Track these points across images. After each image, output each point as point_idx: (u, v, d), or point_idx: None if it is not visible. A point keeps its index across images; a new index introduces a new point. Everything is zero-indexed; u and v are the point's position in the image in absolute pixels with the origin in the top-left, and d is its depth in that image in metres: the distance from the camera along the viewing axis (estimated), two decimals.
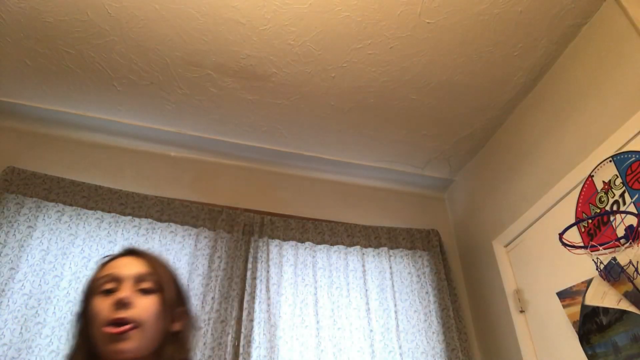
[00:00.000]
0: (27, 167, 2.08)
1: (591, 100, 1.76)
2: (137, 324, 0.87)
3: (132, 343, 0.86)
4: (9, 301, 1.72)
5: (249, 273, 2.04)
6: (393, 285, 2.21)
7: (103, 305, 0.89)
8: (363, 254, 2.27)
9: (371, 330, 2.04)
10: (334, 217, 2.46)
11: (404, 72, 2.02)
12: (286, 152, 2.47)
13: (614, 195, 1.57)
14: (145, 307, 0.89)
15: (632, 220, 1.47)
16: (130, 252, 1.00)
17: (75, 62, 1.98)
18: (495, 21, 1.82)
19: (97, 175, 2.19)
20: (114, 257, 1.00)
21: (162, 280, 0.95)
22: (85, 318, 0.92)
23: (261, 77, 2.05)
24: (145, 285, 0.93)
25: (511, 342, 2.01)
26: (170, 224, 2.09)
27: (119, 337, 0.85)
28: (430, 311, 2.18)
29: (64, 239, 1.91)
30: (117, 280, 0.92)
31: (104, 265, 0.98)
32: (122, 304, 0.87)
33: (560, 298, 1.74)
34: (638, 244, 1.43)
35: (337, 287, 2.14)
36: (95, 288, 0.93)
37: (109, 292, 0.91)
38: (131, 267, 0.94)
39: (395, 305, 2.15)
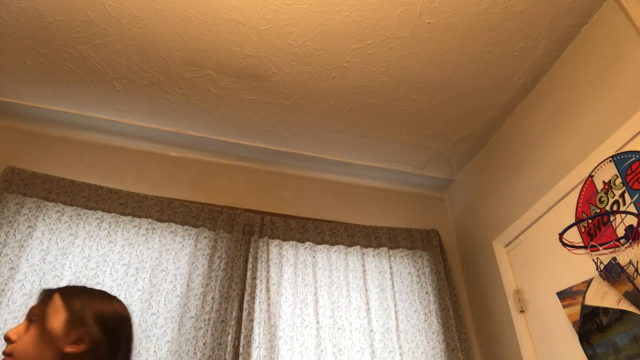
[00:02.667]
0: (27, 167, 2.08)
1: (591, 100, 1.76)
2: (11, 355, 1.03)
3: None
4: (9, 301, 1.72)
5: (249, 273, 2.04)
6: (393, 285, 2.21)
7: None
8: (363, 254, 2.28)
9: (371, 330, 2.04)
10: (334, 217, 2.46)
11: (404, 72, 2.02)
12: (286, 152, 2.47)
13: (614, 195, 1.57)
14: (23, 339, 1.05)
15: (632, 220, 1.47)
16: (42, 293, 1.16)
17: (75, 62, 1.98)
18: (495, 21, 1.82)
19: (97, 175, 2.20)
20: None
21: (43, 312, 1.08)
22: None
23: (261, 77, 2.05)
24: (33, 318, 1.08)
25: (511, 342, 2.01)
26: (170, 224, 2.09)
27: None
28: (430, 311, 2.18)
29: (64, 239, 1.91)
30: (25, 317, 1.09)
31: None
32: (5, 339, 1.06)
33: (560, 298, 1.74)
34: (638, 244, 1.43)
35: (337, 287, 2.14)
36: None
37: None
38: (31, 307, 1.11)
39: (395, 305, 2.15)
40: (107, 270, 1.90)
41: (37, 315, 1.08)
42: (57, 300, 1.11)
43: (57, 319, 1.08)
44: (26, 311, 1.72)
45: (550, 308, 1.81)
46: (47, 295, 1.13)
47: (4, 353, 1.04)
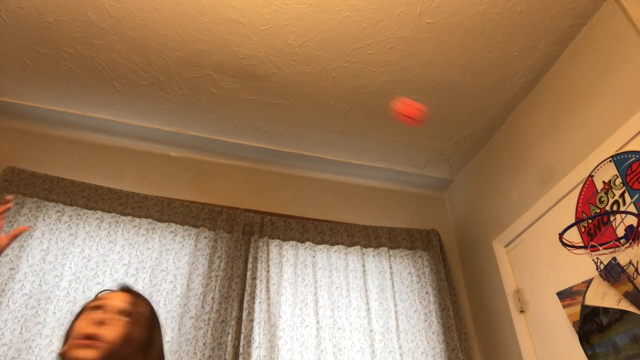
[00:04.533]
0: (27, 167, 2.08)
1: (591, 100, 1.76)
2: (105, 343, 0.97)
3: (95, 354, 0.95)
4: (9, 301, 1.72)
5: (249, 273, 2.04)
6: (393, 285, 2.21)
7: (83, 323, 1.00)
8: (363, 254, 2.27)
9: (371, 330, 2.04)
10: (334, 217, 2.46)
11: (404, 72, 2.02)
12: (286, 152, 2.47)
13: (614, 195, 1.57)
14: (117, 331, 1.00)
15: (632, 220, 1.47)
16: (124, 289, 1.13)
17: (75, 62, 1.98)
18: (495, 21, 1.82)
19: (97, 175, 2.19)
20: (108, 291, 1.13)
21: (138, 318, 1.06)
22: (66, 337, 1.04)
23: (261, 77, 2.05)
24: (124, 318, 1.04)
25: (511, 342, 2.01)
26: (170, 224, 2.09)
27: (86, 345, 0.95)
28: (430, 311, 2.18)
29: (64, 239, 1.91)
30: (103, 307, 1.04)
31: (97, 295, 1.12)
32: (100, 323, 1.00)
33: (560, 298, 1.74)
34: (638, 244, 1.43)
35: (337, 287, 2.14)
36: (82, 309, 1.06)
37: (90, 311, 1.03)
38: (118, 301, 1.06)
39: (395, 305, 2.15)
40: (107, 270, 1.90)
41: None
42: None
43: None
44: (26, 311, 1.72)
45: (550, 308, 1.81)
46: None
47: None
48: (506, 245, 2.16)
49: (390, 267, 2.26)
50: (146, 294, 1.89)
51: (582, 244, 1.65)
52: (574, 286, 1.68)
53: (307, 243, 2.23)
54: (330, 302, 2.09)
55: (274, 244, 2.19)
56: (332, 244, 2.27)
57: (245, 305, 1.96)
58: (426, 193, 2.77)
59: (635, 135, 1.53)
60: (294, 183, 2.54)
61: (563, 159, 1.86)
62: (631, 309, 1.43)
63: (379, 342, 2.05)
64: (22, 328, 1.69)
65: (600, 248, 1.53)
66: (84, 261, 1.89)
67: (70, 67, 2.00)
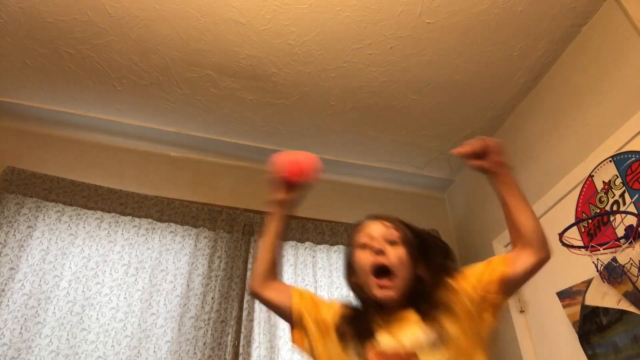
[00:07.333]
0: (27, 167, 2.08)
1: (591, 100, 1.76)
2: (392, 270, 1.09)
3: (392, 291, 1.08)
4: (9, 301, 1.72)
5: (249, 273, 2.04)
6: None
7: (364, 256, 1.15)
8: None
9: None
10: (334, 217, 2.46)
11: (404, 72, 2.02)
12: None
13: (614, 195, 1.57)
14: (395, 254, 1.13)
15: (632, 220, 1.47)
16: (376, 218, 1.29)
17: (75, 62, 1.98)
18: (495, 21, 1.82)
19: (97, 175, 2.19)
20: (365, 222, 1.29)
21: (404, 236, 1.19)
22: (351, 266, 1.20)
23: (261, 77, 2.05)
24: (392, 239, 1.18)
25: (511, 342, 2.01)
26: (170, 224, 2.09)
27: (382, 287, 1.08)
28: None
29: (64, 239, 1.91)
30: (370, 237, 1.19)
31: (358, 228, 1.28)
32: (379, 252, 1.13)
33: (560, 298, 1.74)
34: (638, 244, 1.43)
35: (337, 287, 2.14)
36: (354, 243, 1.23)
37: (364, 246, 1.17)
38: (379, 229, 1.22)
39: None
40: (107, 270, 1.90)
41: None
42: None
43: None
44: (26, 311, 1.72)
45: (550, 308, 1.80)
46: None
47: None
48: (506, 245, 2.16)
49: None
50: (146, 294, 1.89)
51: (582, 244, 1.64)
52: (574, 286, 1.68)
53: (307, 243, 2.23)
54: None
55: None
56: (332, 244, 2.27)
57: (245, 305, 1.96)
58: (426, 193, 2.76)
59: (635, 135, 1.52)
60: None
61: (563, 159, 1.86)
62: (631, 309, 1.43)
63: None
64: (22, 328, 1.69)
65: (600, 248, 1.53)
66: (84, 261, 1.89)
67: (70, 67, 2.00)
